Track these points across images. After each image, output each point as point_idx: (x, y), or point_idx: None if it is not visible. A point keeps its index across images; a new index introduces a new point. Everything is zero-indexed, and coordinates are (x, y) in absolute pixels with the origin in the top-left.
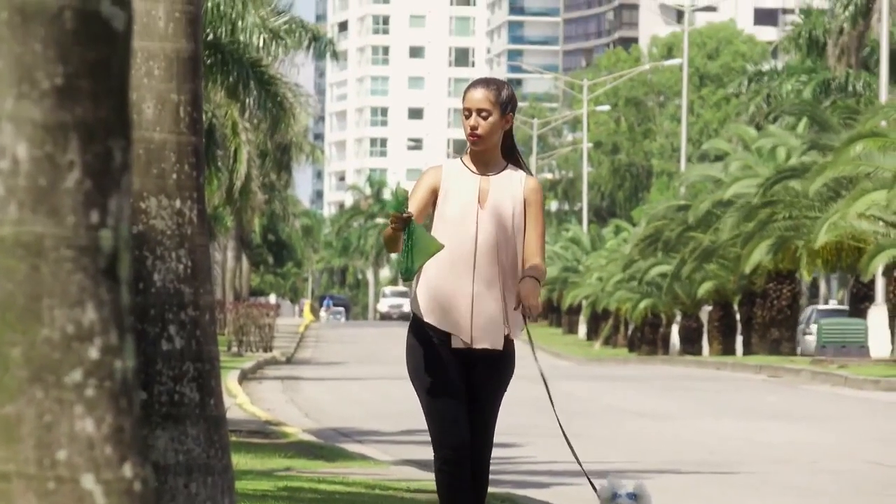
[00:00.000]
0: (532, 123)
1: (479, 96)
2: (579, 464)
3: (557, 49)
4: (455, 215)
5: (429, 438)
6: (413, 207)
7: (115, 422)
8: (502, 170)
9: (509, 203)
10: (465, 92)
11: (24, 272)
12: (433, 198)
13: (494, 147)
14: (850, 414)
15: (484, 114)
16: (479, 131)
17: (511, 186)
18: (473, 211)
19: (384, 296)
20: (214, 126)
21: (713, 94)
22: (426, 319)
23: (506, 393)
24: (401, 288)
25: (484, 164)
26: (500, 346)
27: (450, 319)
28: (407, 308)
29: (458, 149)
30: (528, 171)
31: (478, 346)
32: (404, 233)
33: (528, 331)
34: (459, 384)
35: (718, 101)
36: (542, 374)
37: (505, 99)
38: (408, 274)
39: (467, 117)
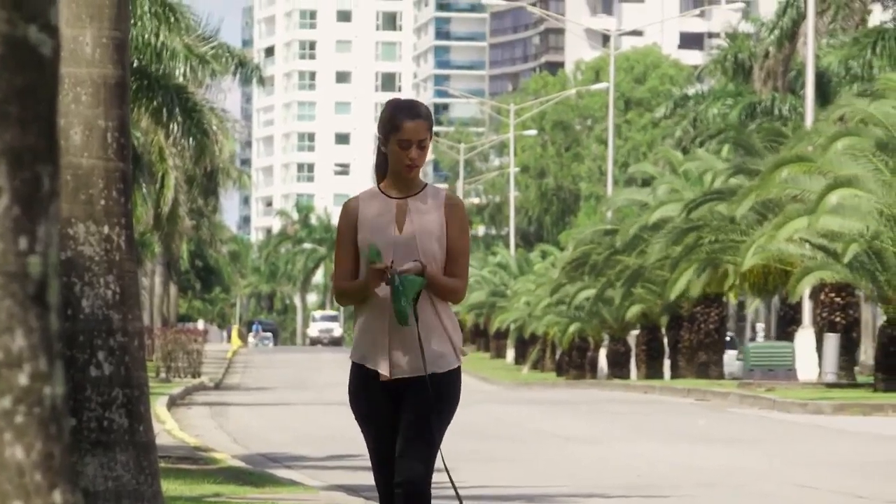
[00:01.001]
0: (459, 148)
1: (419, 127)
2: (457, 495)
3: (484, 73)
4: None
5: (357, 463)
6: (347, 255)
7: (45, 448)
8: (421, 189)
9: (432, 224)
10: (399, 122)
11: None
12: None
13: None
14: (778, 437)
15: (423, 143)
16: (419, 162)
17: (433, 206)
18: (390, 239)
19: (314, 320)
20: (141, 152)
21: (640, 118)
22: (352, 358)
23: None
24: (330, 312)
25: (406, 187)
26: (423, 371)
27: (371, 354)
28: (337, 332)
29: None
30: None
31: (398, 375)
32: (391, 281)
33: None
34: (390, 419)
35: (645, 124)
36: (428, 381)
37: (433, 123)
38: (404, 316)
39: (404, 148)
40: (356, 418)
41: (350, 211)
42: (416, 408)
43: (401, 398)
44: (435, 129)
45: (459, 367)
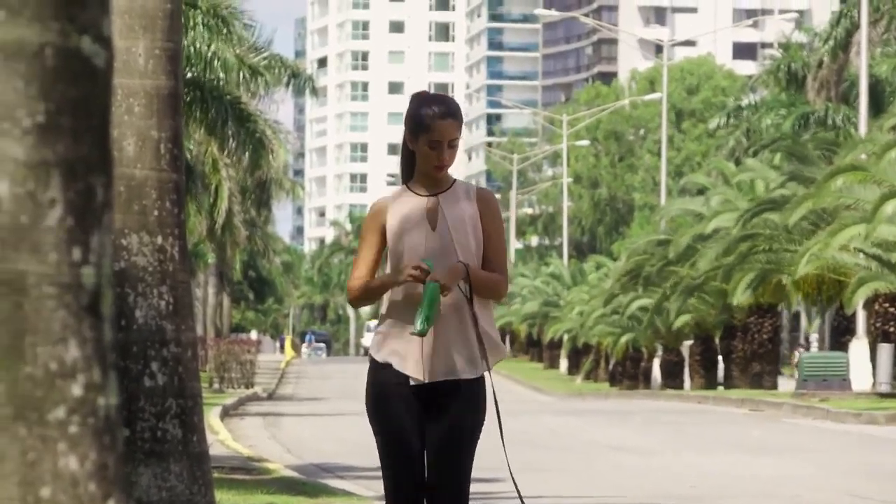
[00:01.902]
0: (512, 159)
1: (451, 127)
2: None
3: (536, 84)
4: (404, 246)
5: None
6: (370, 256)
7: (99, 459)
8: (451, 185)
9: (466, 219)
10: (430, 122)
11: (6, 310)
12: (384, 237)
13: None
14: (831, 447)
15: (454, 143)
16: (449, 163)
17: (464, 201)
18: (423, 237)
19: (368, 330)
20: (194, 163)
21: (694, 128)
22: (378, 358)
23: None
24: None
25: (435, 184)
26: (463, 375)
27: (402, 356)
28: None
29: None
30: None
31: (433, 379)
32: (426, 287)
33: (488, 368)
34: (418, 430)
35: (699, 135)
36: (495, 400)
37: (462, 121)
38: (427, 328)
39: (435, 149)
40: (376, 428)
41: (377, 213)
42: (451, 419)
43: (430, 406)
44: (488, 139)
45: (487, 376)
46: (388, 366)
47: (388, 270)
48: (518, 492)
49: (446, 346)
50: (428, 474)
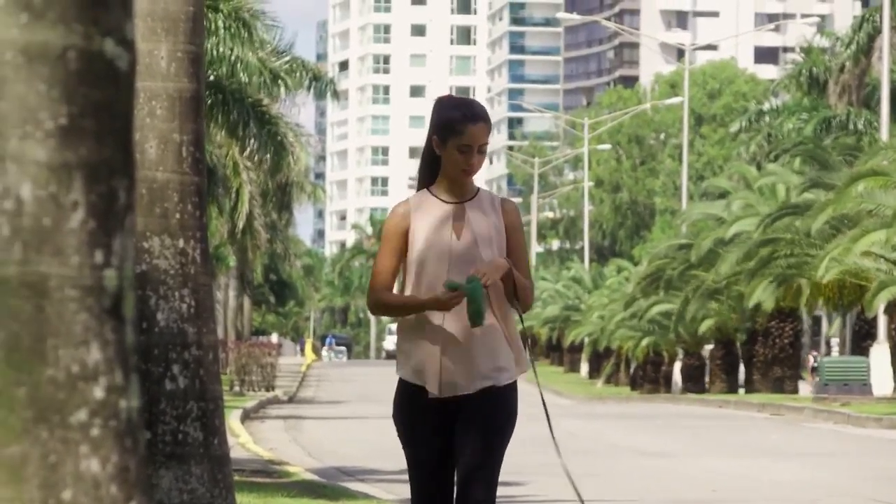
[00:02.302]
0: (533, 162)
1: (481, 131)
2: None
3: (558, 88)
4: (428, 253)
5: None
6: (392, 262)
7: (121, 461)
8: (476, 194)
9: (490, 229)
10: (462, 126)
11: (28, 312)
12: (407, 243)
13: None
14: (852, 451)
15: (483, 148)
16: (478, 168)
17: (489, 211)
18: (447, 245)
19: (390, 333)
20: (216, 165)
21: (714, 133)
22: (400, 375)
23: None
24: None
25: (460, 192)
26: (497, 383)
27: (425, 370)
28: None
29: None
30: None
31: (452, 393)
32: (470, 284)
33: (534, 370)
34: (444, 442)
35: (721, 139)
36: (546, 412)
37: (491, 122)
38: (482, 317)
39: (464, 153)
40: (404, 441)
41: (401, 217)
42: (477, 428)
43: (455, 418)
44: (509, 142)
45: (516, 382)
46: (413, 384)
47: (408, 276)
48: (579, 496)
49: (473, 355)
50: (457, 480)
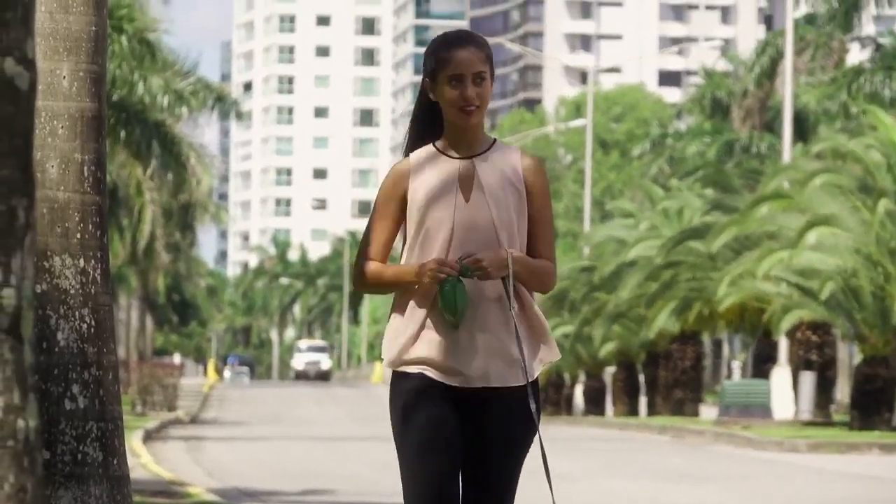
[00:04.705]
0: None
1: (473, 57)
2: None
3: None
4: (429, 220)
5: (333, 499)
6: (384, 232)
7: (18, 481)
8: (490, 146)
9: (506, 189)
10: (446, 53)
11: None
12: (404, 209)
13: (482, 119)
14: (753, 475)
15: (482, 76)
16: (479, 101)
17: (507, 167)
18: (453, 208)
19: (299, 350)
20: (118, 185)
21: (616, 157)
22: (399, 368)
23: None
24: (318, 342)
25: (468, 144)
26: (508, 381)
27: (428, 360)
28: (325, 365)
29: (363, 210)
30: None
31: (466, 385)
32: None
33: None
34: (456, 442)
35: (617, 163)
36: (537, 413)
37: (490, 53)
38: (461, 318)
39: (457, 86)
40: (406, 441)
41: (398, 178)
42: (493, 433)
43: (469, 417)
44: None
45: (537, 381)
46: (412, 373)
47: (407, 248)
48: None
49: (484, 347)
50: (463, 493)
